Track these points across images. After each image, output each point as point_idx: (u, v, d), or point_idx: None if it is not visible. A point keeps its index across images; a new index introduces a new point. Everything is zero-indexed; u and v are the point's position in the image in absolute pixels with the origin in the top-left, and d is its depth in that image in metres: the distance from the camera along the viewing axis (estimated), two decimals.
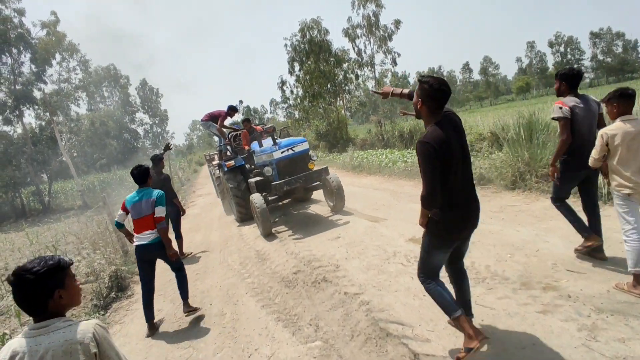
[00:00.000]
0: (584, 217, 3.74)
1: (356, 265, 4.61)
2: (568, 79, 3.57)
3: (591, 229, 3.60)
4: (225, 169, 8.43)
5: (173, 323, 4.31)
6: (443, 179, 2.34)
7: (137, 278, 6.18)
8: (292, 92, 32.06)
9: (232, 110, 8.87)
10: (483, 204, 6.22)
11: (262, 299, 4.36)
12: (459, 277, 2.85)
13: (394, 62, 25.61)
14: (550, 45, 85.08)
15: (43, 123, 23.32)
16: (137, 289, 5.74)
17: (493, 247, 4.40)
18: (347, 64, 27.85)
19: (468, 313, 2.73)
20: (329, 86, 28.26)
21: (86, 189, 27.13)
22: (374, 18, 24.56)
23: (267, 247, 6.22)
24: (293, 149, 7.02)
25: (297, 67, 28.66)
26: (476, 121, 14.71)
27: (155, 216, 4.03)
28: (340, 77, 28.50)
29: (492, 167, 7.86)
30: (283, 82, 31.22)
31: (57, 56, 23.59)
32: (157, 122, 57.80)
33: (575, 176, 3.64)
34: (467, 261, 3.21)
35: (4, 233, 16.68)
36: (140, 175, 4.21)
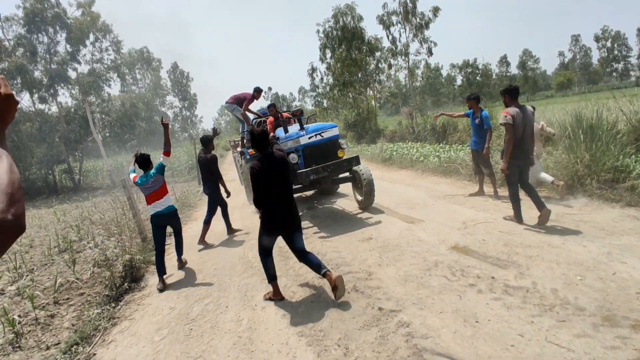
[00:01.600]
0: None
1: (392, 274, 4.04)
2: (510, 93, 4.87)
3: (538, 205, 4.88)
4: (248, 157, 7.98)
5: (185, 326, 3.90)
6: (264, 191, 3.68)
7: (152, 268, 5.86)
8: (322, 79, 31.42)
9: (257, 92, 8.27)
10: (535, 210, 5.52)
11: (284, 305, 3.86)
12: (303, 257, 3.87)
13: (430, 52, 24.38)
14: (597, 39, 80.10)
15: (76, 102, 23.68)
16: (152, 281, 5.40)
17: (557, 265, 3.72)
18: (380, 52, 26.85)
19: (320, 269, 3.72)
20: (359, 75, 27.40)
21: (115, 168, 27.63)
22: (410, 4, 23.36)
23: None
24: (322, 134, 6.42)
25: (328, 55, 27.91)
26: None
27: (164, 183, 5.11)
28: (372, 66, 27.57)
29: (542, 169, 7.06)
30: (313, 69, 30.62)
31: (91, 36, 23.73)
32: (186, 105, 58.49)
33: (517, 164, 4.94)
34: (527, 280, 3.49)
35: (35, 209, 17.03)
36: (144, 162, 5.07)
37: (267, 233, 3.90)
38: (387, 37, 24.16)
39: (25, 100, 22.89)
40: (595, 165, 6.05)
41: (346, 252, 4.89)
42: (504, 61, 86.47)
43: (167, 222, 5.23)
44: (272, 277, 3.97)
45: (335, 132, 6.56)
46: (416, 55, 24.74)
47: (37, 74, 21.93)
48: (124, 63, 33.82)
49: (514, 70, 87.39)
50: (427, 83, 76.42)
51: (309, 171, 6.04)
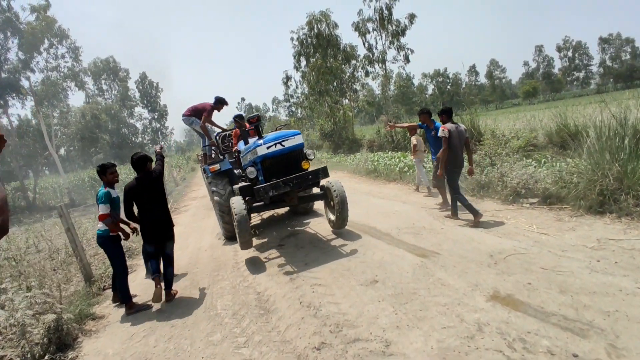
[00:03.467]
0: None
1: (419, 345, 2.85)
2: (446, 113, 5.88)
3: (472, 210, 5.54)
4: (209, 174, 6.83)
5: None
6: (138, 206, 4.67)
7: (92, 326, 4.47)
8: (296, 88, 30.38)
9: (219, 103, 7.41)
10: (566, 234, 4.53)
11: None
12: (166, 265, 4.84)
13: (407, 59, 23.81)
14: (559, 49, 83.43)
15: (29, 115, 21.55)
16: (88, 347, 4.01)
17: (625, 318, 2.67)
18: (356, 60, 26.14)
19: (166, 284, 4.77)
20: (335, 84, 26.55)
21: (75, 186, 25.43)
22: (386, 11, 22.75)
23: (273, 287, 4.47)
24: (282, 143, 5.52)
25: (303, 63, 26.96)
26: (503, 124, 12.95)
27: (99, 213, 4.63)
28: (348, 74, 26.81)
29: (558, 181, 6.16)
30: (288, 78, 29.53)
31: (46, 42, 21.72)
32: (156, 117, 56.11)
33: (455, 171, 5.78)
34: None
35: None
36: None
37: (146, 241, 4.75)
38: (363, 44, 23.43)
39: None
40: (628, 178, 5.16)
41: (347, 304, 3.68)
42: (472, 71, 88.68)
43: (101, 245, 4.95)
44: (151, 273, 4.74)
45: (298, 140, 5.66)
46: (393, 63, 24.13)
47: None
48: (85, 71, 31.56)
49: (482, 79, 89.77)
50: (400, 92, 77.08)
51: (267, 186, 5.24)
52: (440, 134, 5.66)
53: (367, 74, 25.28)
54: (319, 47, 25.52)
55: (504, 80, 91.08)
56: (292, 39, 26.43)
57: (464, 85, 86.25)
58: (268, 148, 5.44)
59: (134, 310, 4.66)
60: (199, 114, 7.47)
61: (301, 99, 31.18)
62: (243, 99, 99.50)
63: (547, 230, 4.85)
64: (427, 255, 4.54)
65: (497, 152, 7.64)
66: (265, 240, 6.74)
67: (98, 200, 4.60)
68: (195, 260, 6.26)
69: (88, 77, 41.86)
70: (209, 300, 4.55)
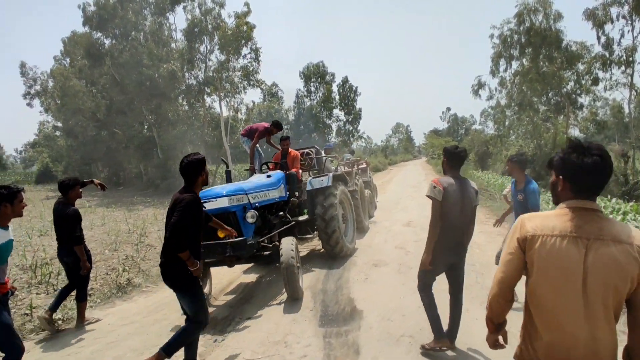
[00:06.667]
0: None
1: None
2: (449, 156, 3.45)
3: (447, 331, 3.25)
4: None
5: None
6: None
7: None
8: (490, 98, 24.68)
9: (274, 126, 6.86)
10: None
11: None
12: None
13: None
14: None
15: (218, 109, 24.54)
16: None
17: None
18: (582, 64, 18.77)
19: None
20: (549, 94, 19.99)
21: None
22: None
23: None
24: (205, 203, 4.18)
25: (502, 66, 21.37)
26: None
27: None
28: (571, 83, 19.73)
29: None
30: (480, 85, 24.23)
31: (244, 48, 24.03)
32: (350, 119, 58.42)
33: (443, 260, 3.18)
34: None
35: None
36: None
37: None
38: (598, 39, 16.25)
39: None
40: None
41: None
42: None
43: None
44: None
45: (221, 203, 4.60)
46: None
47: (193, 81, 23.39)
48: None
49: None
50: None
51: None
52: (427, 192, 3.15)
53: (595, 81, 17.61)
54: (529, 45, 19.57)
55: None
56: (491, 36, 21.25)
57: None
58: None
59: None
60: (253, 135, 6.91)
61: (496, 112, 25.22)
62: (448, 109, 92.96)
63: None
64: None
65: None
66: None
67: None
68: None
69: (300, 79, 46.60)
70: None
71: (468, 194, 3.17)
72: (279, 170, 6.28)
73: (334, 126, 60.31)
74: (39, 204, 16.68)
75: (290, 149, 6.91)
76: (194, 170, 3.03)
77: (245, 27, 23.38)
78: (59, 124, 34.71)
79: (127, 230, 9.92)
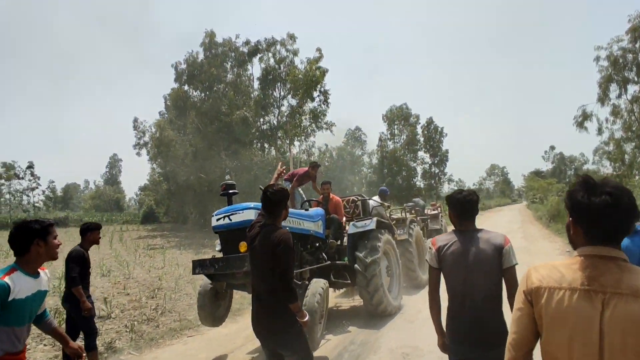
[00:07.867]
0: None
1: None
2: (453, 205, 2.61)
3: None
4: None
5: None
6: None
7: None
8: (600, 130, 20.59)
9: (312, 167, 7.28)
10: None
11: None
12: None
13: None
14: None
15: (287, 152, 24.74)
16: None
17: None
18: None
19: None
20: None
21: None
22: None
23: None
24: (230, 217, 4.55)
25: (614, 92, 17.74)
26: None
27: None
28: None
29: None
30: (585, 116, 20.43)
31: (315, 92, 24.26)
32: (436, 162, 55.31)
33: (454, 349, 2.28)
34: None
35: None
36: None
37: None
38: None
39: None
40: None
41: None
42: None
43: None
44: None
45: (248, 215, 4.39)
46: None
47: (265, 127, 24.08)
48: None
49: None
50: None
51: (203, 260, 4.91)
52: (427, 255, 2.52)
53: None
54: None
55: None
56: (597, 58, 17.98)
57: None
58: (217, 220, 4.72)
59: None
60: (293, 179, 7.24)
61: (610, 147, 21.01)
62: (552, 148, 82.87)
63: None
64: None
65: None
66: None
67: None
68: None
69: (384, 123, 46.37)
70: None
71: (479, 255, 2.26)
72: (320, 208, 6.05)
73: (419, 169, 57.52)
74: (131, 243, 18.39)
75: (332, 195, 6.56)
76: (280, 201, 2.70)
77: (317, 72, 23.68)
78: (159, 170, 38.87)
79: (179, 274, 9.69)
